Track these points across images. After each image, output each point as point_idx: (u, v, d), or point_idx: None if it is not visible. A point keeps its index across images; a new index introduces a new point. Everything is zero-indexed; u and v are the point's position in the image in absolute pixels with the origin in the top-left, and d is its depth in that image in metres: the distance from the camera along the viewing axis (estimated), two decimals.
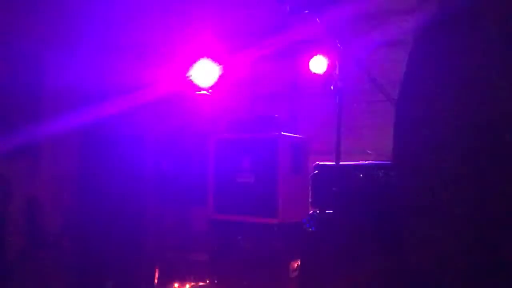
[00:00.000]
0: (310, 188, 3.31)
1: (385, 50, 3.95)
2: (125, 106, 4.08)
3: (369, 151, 3.48)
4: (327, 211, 3.18)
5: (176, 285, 3.98)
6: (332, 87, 2.82)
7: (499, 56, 1.38)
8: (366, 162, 3.21)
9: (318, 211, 3.26)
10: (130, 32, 4.71)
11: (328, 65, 4.13)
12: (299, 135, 3.47)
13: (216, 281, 3.32)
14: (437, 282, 1.55)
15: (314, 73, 4.26)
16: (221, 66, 4.00)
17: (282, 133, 3.04)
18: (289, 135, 3.16)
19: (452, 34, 1.50)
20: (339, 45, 2.87)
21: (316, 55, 4.26)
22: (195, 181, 3.54)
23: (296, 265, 3.11)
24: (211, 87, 3.93)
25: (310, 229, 3.24)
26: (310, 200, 3.30)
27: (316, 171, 3.32)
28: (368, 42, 3.80)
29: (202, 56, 4.05)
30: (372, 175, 3.11)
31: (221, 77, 4.01)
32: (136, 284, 4.06)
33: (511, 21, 1.36)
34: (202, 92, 3.85)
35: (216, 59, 4.04)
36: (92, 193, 4.09)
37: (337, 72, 2.82)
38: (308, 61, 4.30)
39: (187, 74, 3.91)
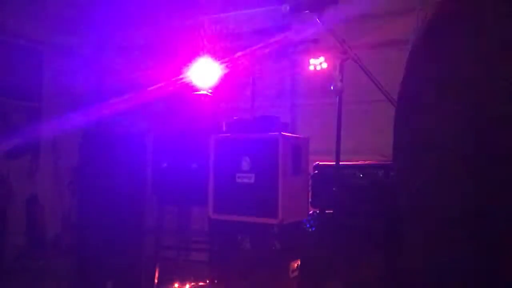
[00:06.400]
0: (310, 188, 3.31)
1: (385, 50, 3.95)
2: (125, 106, 4.08)
3: (369, 151, 3.48)
4: (327, 211, 3.18)
5: (176, 285, 3.98)
6: (332, 87, 2.82)
7: (500, 56, 1.38)
8: (366, 162, 3.21)
9: (318, 211, 3.26)
10: (130, 32, 4.71)
11: (328, 65, 4.13)
12: (299, 135, 3.47)
13: (216, 281, 3.32)
14: (437, 282, 1.55)
15: (314, 73, 4.26)
16: (221, 66, 3.99)
17: (282, 133, 3.03)
18: (289, 135, 3.15)
19: (452, 34, 1.50)
20: (339, 45, 2.87)
21: (316, 55, 4.26)
22: (195, 181, 3.54)
23: (296, 265, 3.11)
24: (211, 87, 3.93)
25: (310, 229, 3.24)
26: (310, 200, 3.31)
27: (316, 171, 3.32)
28: (368, 41, 3.81)
29: (202, 56, 4.05)
30: (372, 175, 3.12)
31: (221, 77, 4.01)
32: (136, 284, 4.07)
33: (511, 20, 1.36)
34: (202, 92, 3.85)
35: (216, 59, 4.04)
36: (92, 193, 4.09)
37: (337, 72, 2.81)
38: (308, 61, 4.29)
39: (187, 74, 3.91)
